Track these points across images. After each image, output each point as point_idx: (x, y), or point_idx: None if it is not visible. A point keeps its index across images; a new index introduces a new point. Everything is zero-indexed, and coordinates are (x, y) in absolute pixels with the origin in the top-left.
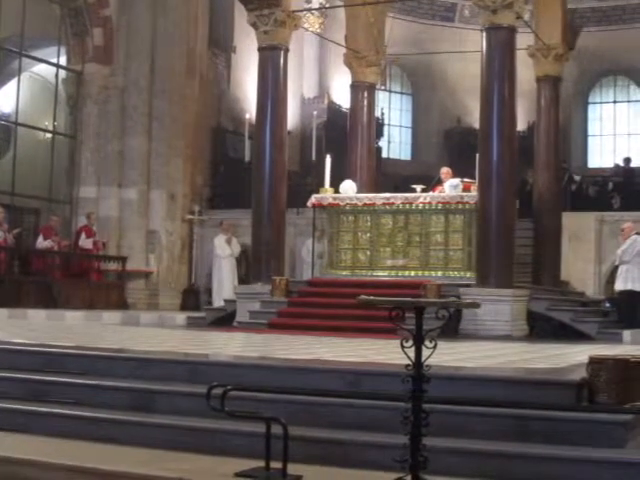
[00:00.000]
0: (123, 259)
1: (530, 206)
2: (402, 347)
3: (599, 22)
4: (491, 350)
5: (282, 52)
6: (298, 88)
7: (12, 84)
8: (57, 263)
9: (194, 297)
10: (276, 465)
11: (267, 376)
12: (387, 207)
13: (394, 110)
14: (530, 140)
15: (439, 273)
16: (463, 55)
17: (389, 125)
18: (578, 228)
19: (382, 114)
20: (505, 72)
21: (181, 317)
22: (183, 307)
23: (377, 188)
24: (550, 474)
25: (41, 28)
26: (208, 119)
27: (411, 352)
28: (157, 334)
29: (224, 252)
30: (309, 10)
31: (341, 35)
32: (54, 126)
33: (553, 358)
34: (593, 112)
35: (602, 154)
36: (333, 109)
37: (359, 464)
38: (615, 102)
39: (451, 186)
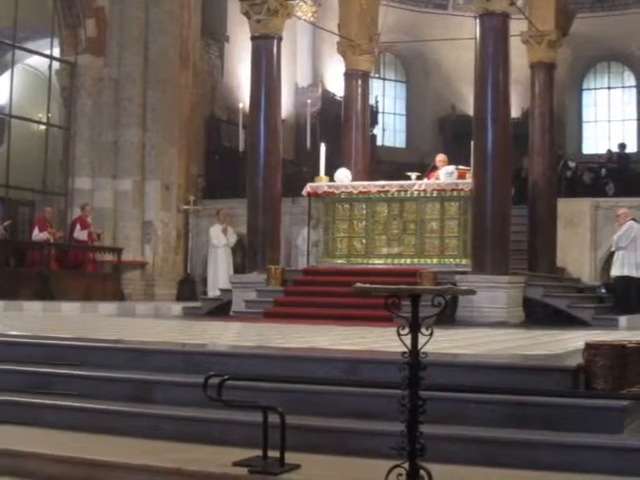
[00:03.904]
0: (118, 250)
1: (525, 193)
2: (398, 335)
3: (593, 8)
4: (487, 337)
5: (275, 41)
6: (292, 77)
7: (5, 76)
8: (52, 255)
9: (190, 287)
10: (274, 454)
11: (264, 365)
12: (382, 195)
13: (388, 98)
14: (525, 127)
15: (435, 260)
16: (457, 42)
17: (383, 113)
18: (573, 214)
19: (376, 102)
20: (499, 59)
21: (177, 307)
22: (179, 297)
23: (372, 176)
24: (547, 460)
25: (34, 20)
26: (202, 109)
27: (407, 340)
28: (153, 325)
29: (220, 242)
30: None
31: (334, 23)
32: (48, 118)
33: (549, 344)
34: (587, 98)
35: (597, 140)
36: (327, 97)
37: (357, 452)
38: (609, 88)
39: (446, 173)
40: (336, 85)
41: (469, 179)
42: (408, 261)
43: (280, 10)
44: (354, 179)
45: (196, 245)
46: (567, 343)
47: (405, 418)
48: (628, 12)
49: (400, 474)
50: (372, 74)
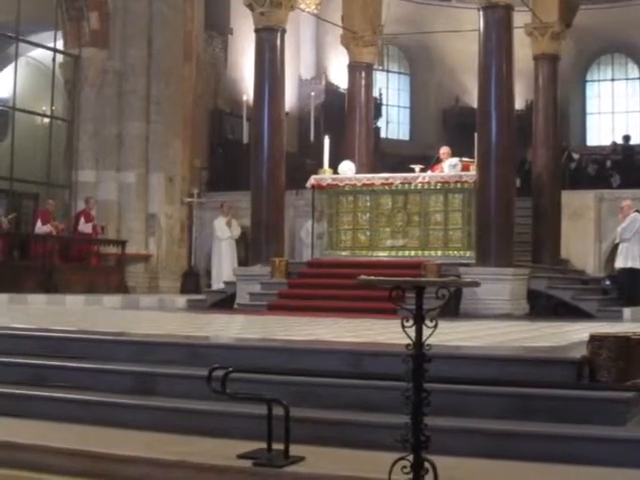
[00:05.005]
0: (122, 243)
1: (529, 184)
2: (402, 327)
3: None
4: (492, 329)
5: (279, 33)
6: (295, 69)
7: (9, 69)
8: (56, 248)
9: (194, 280)
10: (278, 446)
11: (268, 358)
12: (386, 187)
13: (392, 90)
14: (528, 119)
15: (439, 253)
16: (460, 34)
17: (387, 105)
18: (578, 206)
19: (380, 94)
20: (502, 51)
21: (181, 300)
22: (183, 290)
23: (376, 168)
24: (551, 452)
25: (37, 12)
26: (206, 101)
27: (412, 332)
28: (157, 317)
29: (224, 234)
30: None
31: (338, 15)
32: (52, 111)
33: (554, 336)
34: (591, 90)
35: (601, 132)
36: (331, 90)
37: (361, 444)
38: (613, 80)
39: (450, 165)
40: (340, 77)
41: (473, 171)
42: (412, 253)
43: (283, 2)
44: (358, 171)
45: (200, 238)
46: (571, 335)
47: (409, 410)
48: (632, 3)
49: (404, 466)
50: (376, 66)
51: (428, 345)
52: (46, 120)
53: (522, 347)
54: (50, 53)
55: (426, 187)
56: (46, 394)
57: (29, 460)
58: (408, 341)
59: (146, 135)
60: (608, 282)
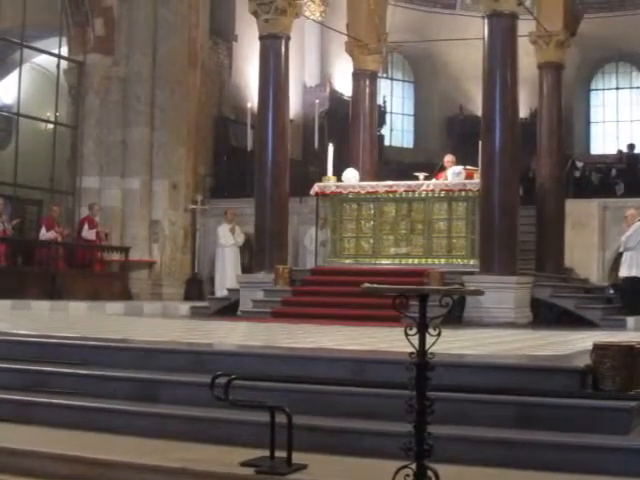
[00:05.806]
0: (126, 249)
1: (533, 193)
2: (406, 335)
3: (601, 8)
4: (495, 337)
5: (283, 40)
6: (300, 76)
7: (14, 75)
8: (60, 254)
9: (197, 287)
10: (281, 454)
11: (271, 365)
12: (390, 195)
13: (396, 98)
14: (532, 127)
15: (442, 261)
16: (465, 42)
17: (391, 113)
18: (581, 215)
19: (384, 102)
20: (507, 59)
21: (185, 307)
22: (186, 297)
23: (379, 176)
24: (554, 461)
25: (42, 19)
26: (210, 108)
27: (415, 340)
28: (161, 324)
29: (227, 241)
30: None
31: (342, 23)
32: (56, 117)
33: (557, 345)
34: (595, 99)
35: (605, 141)
36: (335, 97)
37: (364, 452)
38: (617, 89)
39: (454, 173)
40: (344, 85)
41: (477, 179)
42: (416, 261)
43: (288, 9)
44: (362, 179)
45: (204, 244)
46: (575, 344)
47: (412, 419)
48: (636, 12)
49: (407, 475)
50: (380, 74)
51: (431, 353)
52: (50, 126)
53: (525, 356)
54: (55, 59)
55: (430, 195)
56: (47, 400)
57: (28, 466)
58: (411, 349)
59: (150, 141)
60: (612, 291)
